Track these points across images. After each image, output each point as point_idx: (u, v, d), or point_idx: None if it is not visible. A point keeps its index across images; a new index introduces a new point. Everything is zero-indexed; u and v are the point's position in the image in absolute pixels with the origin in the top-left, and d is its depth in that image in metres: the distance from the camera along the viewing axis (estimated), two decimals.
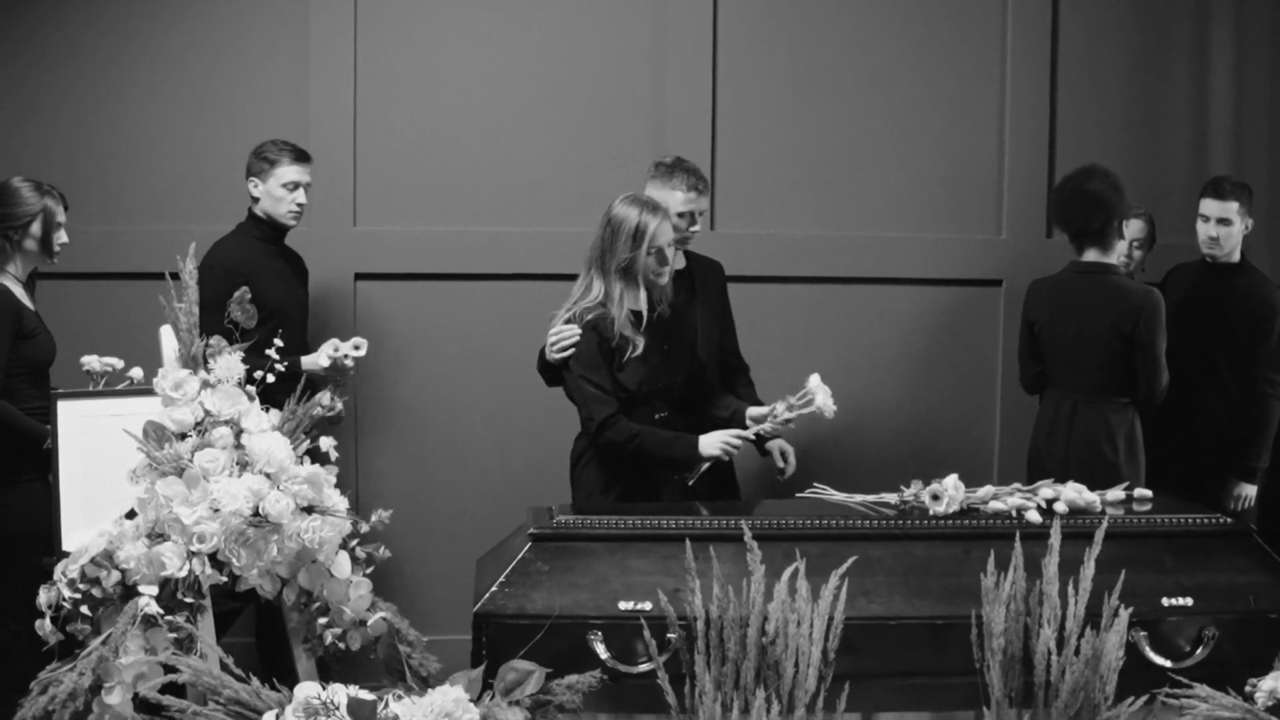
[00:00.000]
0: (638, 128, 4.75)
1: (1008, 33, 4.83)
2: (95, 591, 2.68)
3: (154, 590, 2.66)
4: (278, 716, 2.41)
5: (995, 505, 3.23)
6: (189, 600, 2.68)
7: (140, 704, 2.57)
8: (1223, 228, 4.32)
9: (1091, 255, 4.17)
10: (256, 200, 4.15)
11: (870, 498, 3.34)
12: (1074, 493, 3.26)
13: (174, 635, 2.64)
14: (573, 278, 4.71)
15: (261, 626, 4.13)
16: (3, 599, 3.59)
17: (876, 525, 3.12)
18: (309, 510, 2.79)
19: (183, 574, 2.67)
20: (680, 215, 3.92)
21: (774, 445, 3.93)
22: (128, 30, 4.58)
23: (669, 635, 2.74)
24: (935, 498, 3.19)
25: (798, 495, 3.53)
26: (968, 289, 4.89)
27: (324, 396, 4.08)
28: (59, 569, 2.73)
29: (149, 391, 2.94)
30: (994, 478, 4.78)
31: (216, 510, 2.68)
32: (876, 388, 4.83)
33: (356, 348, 4.04)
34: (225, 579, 2.73)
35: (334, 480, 2.90)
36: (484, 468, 4.76)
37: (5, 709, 2.71)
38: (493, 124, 4.72)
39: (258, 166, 4.12)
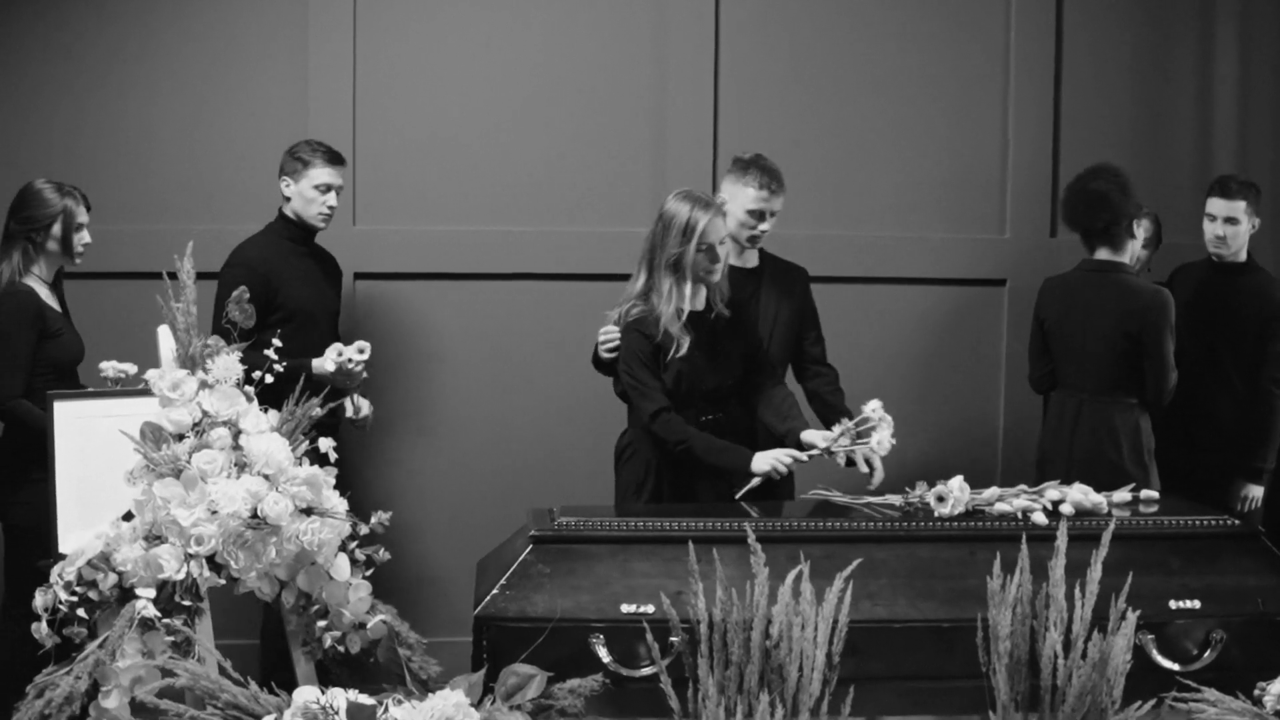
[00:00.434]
0: (639, 127, 4.73)
1: (1011, 31, 4.81)
2: (92, 594, 2.66)
3: (151, 593, 2.64)
4: None
5: (1001, 507, 3.22)
6: (187, 603, 2.66)
7: (137, 708, 2.55)
8: (1230, 227, 4.31)
9: (1103, 254, 4.14)
10: (288, 200, 4.11)
11: (875, 499, 3.32)
12: (1080, 494, 3.24)
13: (171, 639, 2.62)
14: (574, 277, 4.76)
15: (266, 627, 4.10)
16: (21, 593, 3.58)
17: (881, 527, 3.10)
18: (308, 512, 2.77)
19: (180, 576, 2.65)
20: (750, 213, 3.86)
21: (858, 453, 3.69)
22: (126, 30, 4.56)
23: (672, 638, 2.73)
24: (940, 499, 3.17)
25: (801, 497, 3.51)
26: (971, 289, 4.87)
27: (363, 406, 4.10)
28: (55, 571, 2.72)
29: (146, 392, 2.92)
30: (998, 478, 4.76)
31: (214, 512, 2.66)
32: (879, 388, 4.75)
33: (361, 351, 4.00)
34: (223, 581, 2.71)
35: (333, 482, 2.88)
36: (484, 468, 4.74)
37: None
38: (493, 123, 4.70)
39: (291, 166, 4.08)
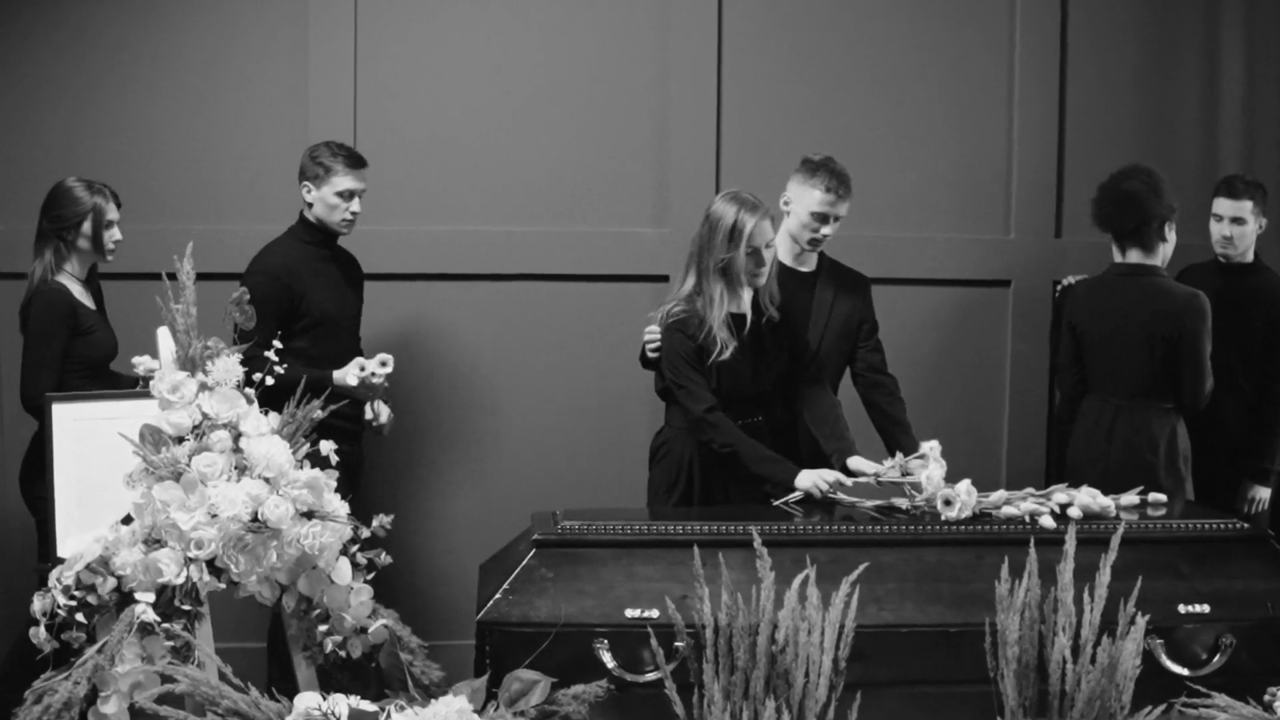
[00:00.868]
0: (641, 127, 4.71)
1: (1016, 31, 4.79)
2: (91, 599, 2.63)
3: (151, 597, 2.62)
4: None
5: (1008, 510, 3.20)
6: (186, 608, 2.64)
7: (136, 714, 2.53)
8: (1236, 227, 4.28)
9: (1134, 256, 4.08)
10: (309, 205, 4.04)
11: (881, 502, 3.30)
12: (1088, 497, 3.23)
13: (171, 643, 2.60)
14: (575, 278, 4.74)
15: (274, 631, 4.08)
16: None
17: (888, 531, 3.09)
18: (309, 515, 2.75)
19: (180, 581, 2.63)
20: (814, 215, 3.82)
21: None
22: (126, 30, 4.54)
23: (677, 644, 2.71)
24: (948, 503, 3.16)
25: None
26: (975, 289, 4.84)
27: (383, 413, 4.07)
28: (54, 575, 2.69)
29: (146, 394, 2.89)
30: (1002, 480, 4.75)
31: (214, 516, 2.64)
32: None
33: (383, 364, 3.95)
34: (223, 586, 2.69)
35: (334, 484, 2.86)
36: (485, 471, 4.72)
37: None
38: (494, 123, 4.68)
39: (312, 171, 4.01)
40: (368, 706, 2.41)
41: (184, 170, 4.56)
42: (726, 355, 3.52)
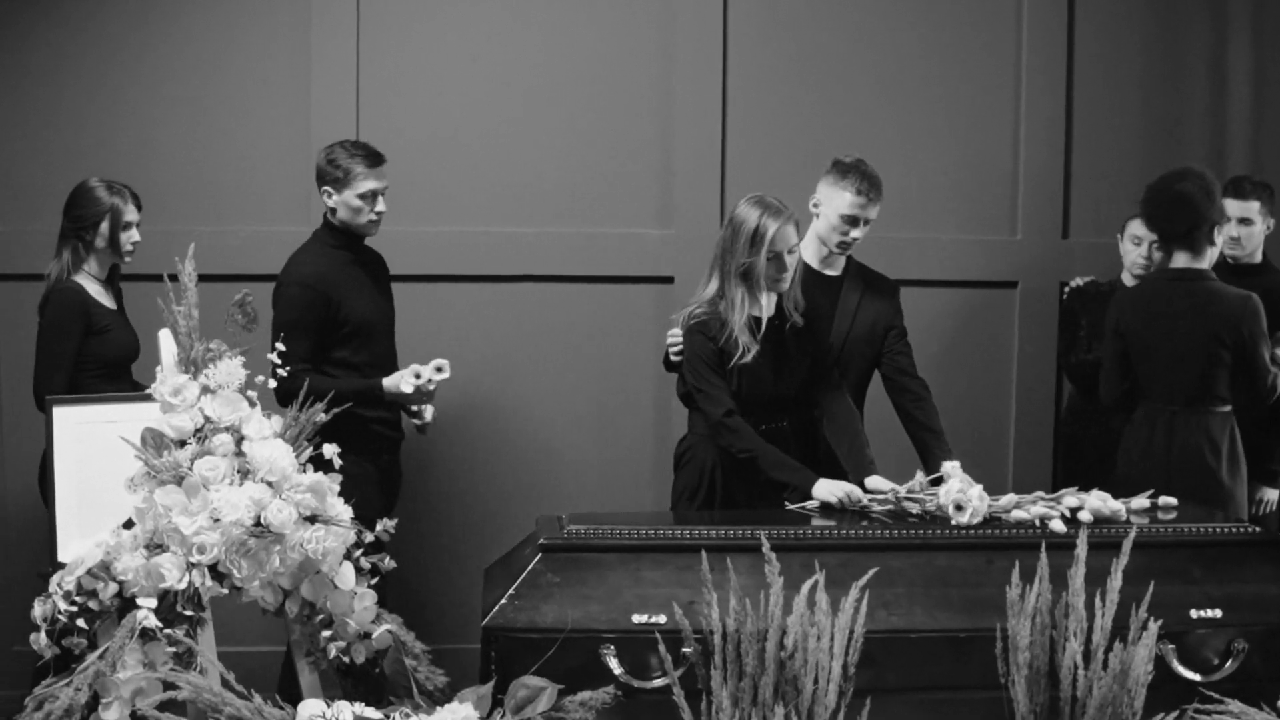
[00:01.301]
0: (645, 128, 4.69)
1: (1023, 32, 4.78)
2: (92, 604, 2.61)
3: (153, 603, 2.59)
4: None
5: (1018, 514, 3.18)
6: (189, 613, 2.61)
7: None
8: (1244, 227, 4.27)
9: (1181, 261, 4.03)
10: (333, 210, 3.92)
11: (891, 505, 3.27)
12: (1099, 501, 3.21)
13: (173, 650, 2.58)
14: (579, 279, 4.72)
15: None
16: None
17: (897, 535, 3.06)
18: (312, 520, 2.72)
19: (182, 586, 2.60)
20: (843, 217, 3.78)
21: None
22: (127, 30, 4.52)
23: (684, 649, 2.68)
24: (959, 508, 3.13)
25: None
26: (982, 291, 4.83)
27: (426, 412, 4.01)
28: (54, 580, 2.67)
29: (147, 397, 2.87)
30: (1009, 482, 4.73)
31: (217, 520, 2.62)
32: (884, 393, 4.77)
33: (439, 370, 3.87)
34: (226, 591, 2.67)
35: (338, 488, 2.83)
36: (489, 473, 4.70)
37: None
38: (496, 124, 4.66)
39: (330, 175, 3.87)
40: (372, 713, 2.39)
41: (186, 171, 4.55)
42: (748, 358, 3.49)
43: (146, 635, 2.56)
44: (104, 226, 3.85)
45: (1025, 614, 2.67)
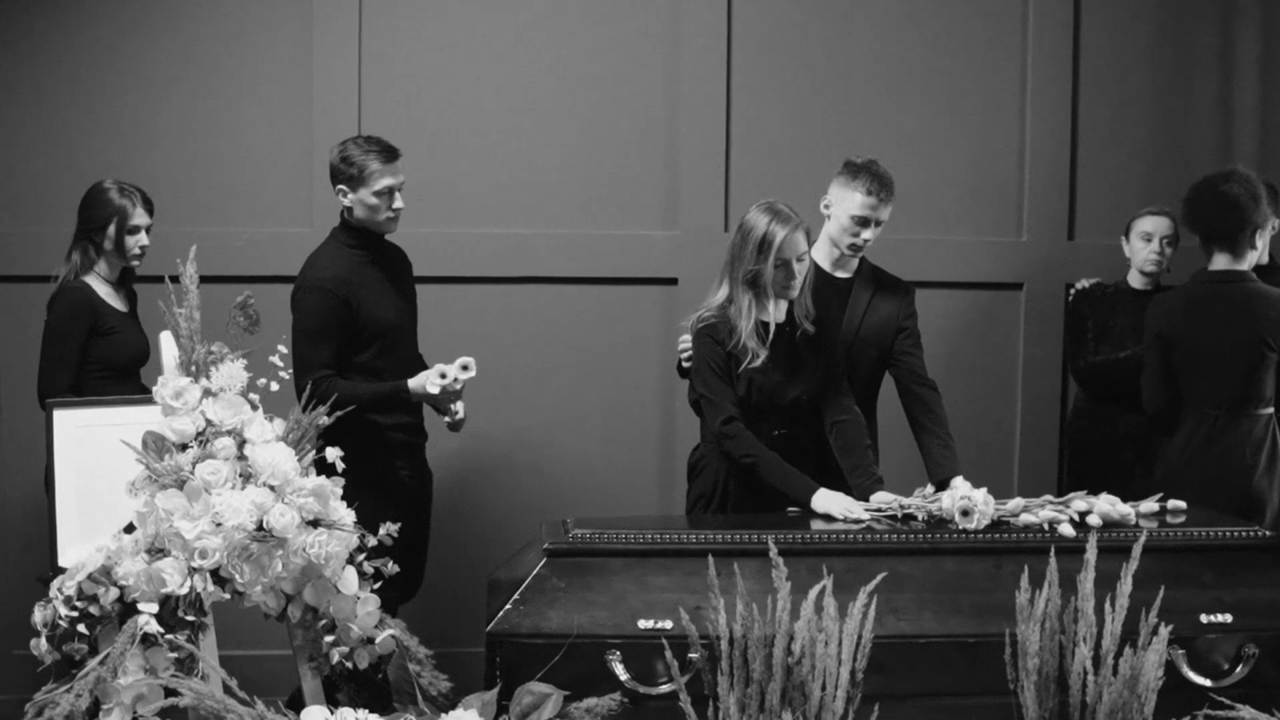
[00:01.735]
0: (649, 129, 4.68)
1: (1029, 32, 4.76)
2: (93, 609, 2.60)
3: (154, 608, 2.58)
4: None
5: (1026, 518, 3.16)
6: (190, 618, 2.60)
7: None
8: None
9: (1221, 263, 3.99)
10: (349, 209, 3.81)
11: (896, 510, 3.26)
12: (1107, 505, 3.19)
13: (175, 655, 2.56)
14: (583, 281, 4.70)
15: None
16: None
17: (905, 540, 3.04)
18: (315, 524, 2.71)
19: (184, 591, 2.59)
20: (854, 219, 3.75)
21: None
22: (128, 31, 4.51)
23: (691, 655, 2.66)
24: (965, 514, 3.11)
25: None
26: (988, 292, 4.81)
27: (459, 409, 3.95)
28: (55, 585, 2.66)
29: (149, 400, 2.86)
30: (1015, 485, 4.71)
31: (219, 524, 2.60)
32: (894, 393, 4.75)
33: (465, 368, 3.77)
34: (228, 596, 2.65)
35: (340, 492, 2.81)
36: (494, 476, 4.68)
37: None
38: (500, 125, 4.65)
39: (345, 173, 3.75)
40: None
41: (187, 172, 4.54)
42: (757, 364, 3.47)
43: (148, 640, 2.55)
44: (111, 229, 3.85)
45: (1034, 619, 2.65)
